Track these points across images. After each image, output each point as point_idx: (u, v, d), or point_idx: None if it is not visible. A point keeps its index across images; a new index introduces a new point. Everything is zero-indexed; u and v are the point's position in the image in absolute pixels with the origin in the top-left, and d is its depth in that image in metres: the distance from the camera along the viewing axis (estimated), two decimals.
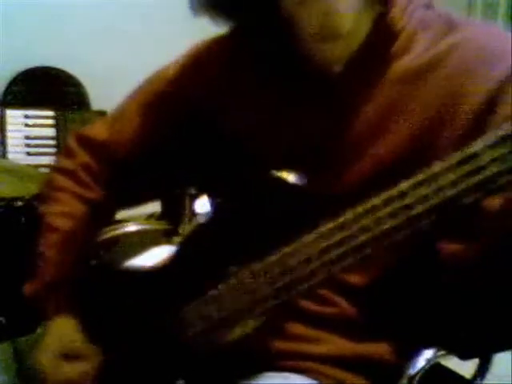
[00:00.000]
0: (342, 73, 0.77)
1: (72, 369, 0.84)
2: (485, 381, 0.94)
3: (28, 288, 0.90)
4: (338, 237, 0.65)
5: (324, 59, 0.77)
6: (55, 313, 0.87)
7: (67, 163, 0.94)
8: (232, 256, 0.76)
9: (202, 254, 0.81)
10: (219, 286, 0.75)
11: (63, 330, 0.86)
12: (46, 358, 0.85)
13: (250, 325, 0.74)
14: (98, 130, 0.93)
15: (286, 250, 0.69)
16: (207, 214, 0.84)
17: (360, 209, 0.63)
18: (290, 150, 0.79)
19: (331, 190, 0.76)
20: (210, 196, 0.89)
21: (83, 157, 0.92)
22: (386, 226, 0.62)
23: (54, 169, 0.97)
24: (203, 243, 0.82)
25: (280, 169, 0.76)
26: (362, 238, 0.63)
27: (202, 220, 0.88)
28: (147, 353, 0.83)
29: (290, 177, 0.74)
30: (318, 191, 0.75)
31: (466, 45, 0.73)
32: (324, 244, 0.66)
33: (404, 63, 0.75)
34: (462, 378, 0.97)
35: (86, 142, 0.93)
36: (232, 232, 0.78)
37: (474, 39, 0.73)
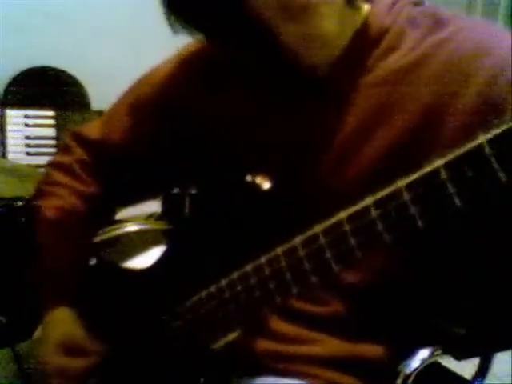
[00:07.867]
0: (328, 76, 0.74)
1: (71, 363, 0.84)
2: (485, 381, 0.94)
3: (30, 278, 0.90)
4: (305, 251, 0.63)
5: (308, 60, 0.73)
6: (52, 303, 0.87)
7: (64, 159, 0.95)
8: (210, 264, 0.75)
9: (181, 259, 0.81)
10: (194, 297, 0.75)
11: (63, 323, 0.86)
12: (47, 350, 0.85)
13: (231, 335, 0.73)
14: (91, 129, 0.94)
15: (262, 260, 0.67)
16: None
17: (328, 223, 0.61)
18: (273, 154, 0.77)
19: (312, 196, 0.74)
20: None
21: (79, 153, 0.93)
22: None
23: (51, 164, 0.98)
24: (184, 248, 0.82)
25: (259, 172, 0.74)
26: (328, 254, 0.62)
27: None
28: (140, 352, 0.82)
29: (265, 183, 0.73)
30: (299, 196, 0.74)
31: (453, 41, 0.69)
32: (295, 256, 0.64)
33: (390, 63, 0.71)
34: (461, 378, 0.97)
35: (80, 140, 0.94)
36: (209, 238, 0.78)
37: (460, 34, 0.69)
